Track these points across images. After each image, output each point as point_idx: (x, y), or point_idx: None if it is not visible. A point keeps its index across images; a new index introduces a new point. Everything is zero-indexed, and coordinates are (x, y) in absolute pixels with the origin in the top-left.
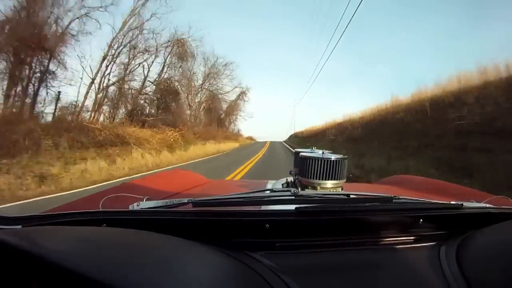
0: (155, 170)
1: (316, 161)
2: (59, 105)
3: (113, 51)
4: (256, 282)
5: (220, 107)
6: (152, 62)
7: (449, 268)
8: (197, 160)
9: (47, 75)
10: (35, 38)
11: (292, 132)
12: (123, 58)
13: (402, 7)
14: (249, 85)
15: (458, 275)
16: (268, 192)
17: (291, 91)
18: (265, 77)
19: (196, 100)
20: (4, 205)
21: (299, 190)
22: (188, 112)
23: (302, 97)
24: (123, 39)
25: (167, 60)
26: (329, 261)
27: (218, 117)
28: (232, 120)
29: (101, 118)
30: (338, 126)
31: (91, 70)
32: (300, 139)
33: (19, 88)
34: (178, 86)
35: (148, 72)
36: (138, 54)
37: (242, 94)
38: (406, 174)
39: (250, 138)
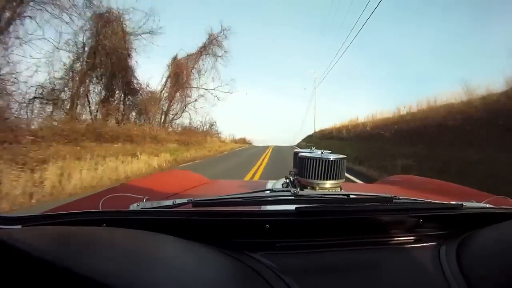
0: None
1: (315, 161)
2: None
3: None
4: (256, 282)
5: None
6: None
7: (449, 268)
8: None
9: None
10: None
11: (309, 132)
12: None
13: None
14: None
15: (458, 275)
16: (268, 192)
17: (297, 90)
18: (267, 76)
19: None
20: None
21: (299, 190)
22: None
23: (323, 78)
24: None
25: None
26: (329, 261)
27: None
28: (188, 99)
29: None
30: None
31: None
32: (346, 144)
33: None
34: None
35: None
36: None
37: (213, 40)
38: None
39: (243, 141)
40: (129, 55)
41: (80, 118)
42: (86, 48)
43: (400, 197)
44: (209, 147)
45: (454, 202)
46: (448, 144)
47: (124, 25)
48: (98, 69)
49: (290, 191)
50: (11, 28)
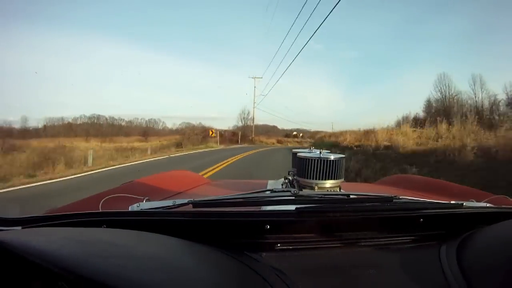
0: None
1: (314, 161)
2: None
3: None
4: (256, 283)
5: None
6: None
7: (450, 268)
8: None
9: None
10: None
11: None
12: None
13: None
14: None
15: (459, 274)
16: (268, 192)
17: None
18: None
19: None
20: None
21: (298, 190)
22: None
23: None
24: None
25: None
26: (330, 261)
27: None
28: None
29: None
30: None
31: None
32: None
33: None
34: None
35: None
36: None
37: None
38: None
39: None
40: None
41: None
42: None
43: (400, 197)
44: None
45: (454, 202)
46: None
47: None
48: None
49: (290, 191)
50: None
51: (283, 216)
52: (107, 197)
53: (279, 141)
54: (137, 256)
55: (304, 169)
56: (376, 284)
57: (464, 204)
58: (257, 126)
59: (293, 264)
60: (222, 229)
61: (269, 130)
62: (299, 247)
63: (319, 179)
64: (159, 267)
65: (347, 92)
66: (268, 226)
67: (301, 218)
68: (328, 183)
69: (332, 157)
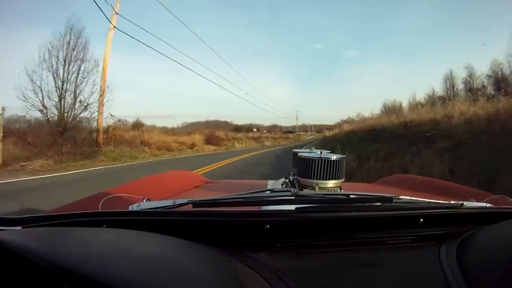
0: None
1: (315, 161)
2: None
3: None
4: (256, 283)
5: None
6: None
7: (450, 268)
8: None
9: None
10: None
11: None
12: None
13: None
14: None
15: (459, 275)
16: (268, 192)
17: None
18: None
19: None
20: None
21: (299, 190)
22: None
23: None
24: None
25: None
26: (330, 261)
27: None
28: None
29: None
30: None
31: None
32: None
33: None
34: None
35: None
36: None
37: None
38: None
39: None
40: None
41: None
42: None
43: (400, 197)
44: None
45: (454, 202)
46: None
47: None
48: None
49: (290, 191)
50: None
51: (283, 216)
52: (107, 197)
53: (210, 140)
54: (137, 256)
55: (305, 169)
56: (376, 284)
57: (464, 204)
58: (208, 122)
59: (293, 264)
60: (222, 229)
61: (219, 125)
62: (299, 247)
63: (319, 179)
64: (159, 267)
65: (302, 84)
66: (268, 226)
67: (301, 218)
68: (329, 183)
69: (333, 157)
